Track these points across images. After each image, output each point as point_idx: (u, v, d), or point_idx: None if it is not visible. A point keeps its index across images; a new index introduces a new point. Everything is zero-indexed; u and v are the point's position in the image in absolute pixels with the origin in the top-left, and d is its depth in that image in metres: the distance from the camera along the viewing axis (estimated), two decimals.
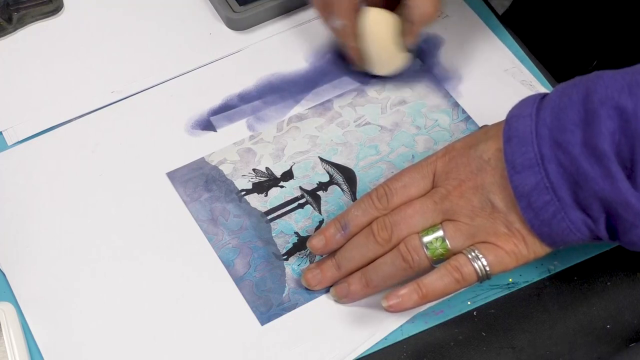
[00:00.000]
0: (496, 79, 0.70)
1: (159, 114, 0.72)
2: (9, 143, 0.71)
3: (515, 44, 0.74)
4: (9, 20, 0.77)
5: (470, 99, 0.71)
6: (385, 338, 0.60)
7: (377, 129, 0.70)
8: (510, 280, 0.62)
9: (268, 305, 0.63)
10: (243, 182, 0.68)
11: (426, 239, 0.59)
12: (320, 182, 0.68)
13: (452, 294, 0.60)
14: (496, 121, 0.63)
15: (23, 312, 0.62)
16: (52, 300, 0.63)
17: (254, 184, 0.68)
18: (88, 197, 0.68)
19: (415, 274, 0.60)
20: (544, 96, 0.58)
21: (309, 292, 0.63)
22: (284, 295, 0.63)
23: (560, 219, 0.56)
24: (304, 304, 0.63)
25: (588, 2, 0.94)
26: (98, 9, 0.79)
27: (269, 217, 0.67)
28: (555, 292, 0.61)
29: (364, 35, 0.69)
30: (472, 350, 0.60)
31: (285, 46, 0.75)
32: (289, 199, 0.68)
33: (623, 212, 0.54)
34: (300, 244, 0.65)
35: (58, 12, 0.79)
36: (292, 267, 0.64)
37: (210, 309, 0.63)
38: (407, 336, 0.60)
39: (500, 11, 0.83)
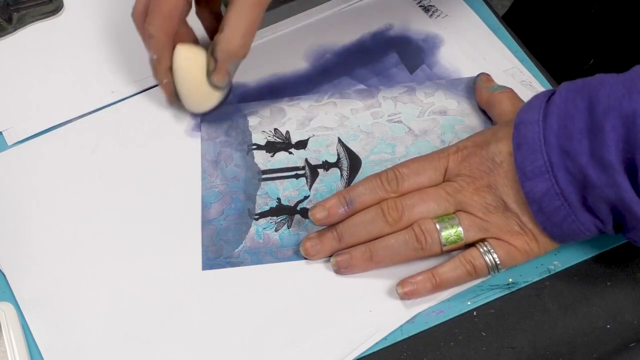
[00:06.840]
0: (496, 79, 0.70)
1: (159, 114, 0.72)
2: (9, 143, 0.71)
3: (515, 44, 0.74)
4: (9, 20, 0.77)
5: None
6: (385, 338, 0.60)
7: (404, 130, 0.70)
8: (510, 280, 0.62)
9: (217, 254, 0.64)
10: (259, 137, 0.70)
11: (440, 225, 0.60)
12: (325, 161, 0.68)
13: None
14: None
15: (23, 312, 0.62)
16: (52, 300, 0.63)
17: (268, 142, 0.69)
18: (88, 197, 0.68)
19: (424, 256, 0.61)
20: (549, 97, 0.59)
21: (259, 255, 0.64)
22: (236, 250, 0.64)
23: (571, 222, 0.58)
24: (249, 265, 0.63)
25: (588, 3, 0.94)
26: (98, 9, 0.79)
27: (263, 176, 0.68)
28: (555, 292, 0.61)
29: (174, 72, 0.67)
30: (472, 350, 0.60)
31: (285, 46, 0.75)
32: (290, 166, 0.68)
33: (628, 216, 0.56)
34: (276, 210, 0.66)
35: (58, 12, 0.79)
36: (257, 227, 0.65)
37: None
38: (407, 336, 0.60)
39: (501, 11, 0.83)
